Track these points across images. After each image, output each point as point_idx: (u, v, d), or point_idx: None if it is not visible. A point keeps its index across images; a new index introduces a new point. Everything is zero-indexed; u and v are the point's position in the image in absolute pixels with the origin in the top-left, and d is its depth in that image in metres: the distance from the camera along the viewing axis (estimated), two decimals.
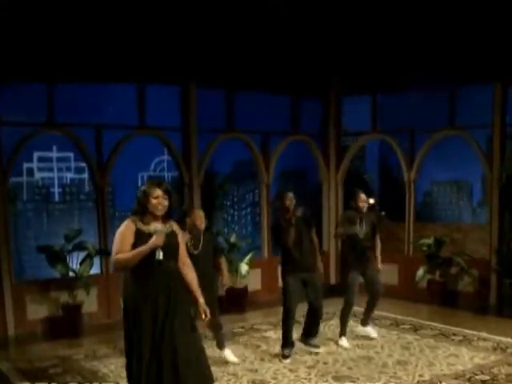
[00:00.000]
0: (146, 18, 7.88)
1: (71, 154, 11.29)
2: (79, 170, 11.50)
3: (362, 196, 7.06)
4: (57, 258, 7.98)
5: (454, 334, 7.48)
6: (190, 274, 4.58)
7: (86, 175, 11.37)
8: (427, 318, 8.34)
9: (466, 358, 6.51)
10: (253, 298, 9.46)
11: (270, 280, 9.76)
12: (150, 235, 4.29)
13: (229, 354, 6.53)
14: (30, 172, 11.05)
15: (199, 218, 6.23)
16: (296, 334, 6.83)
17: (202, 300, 4.55)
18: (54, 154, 11.18)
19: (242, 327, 8.08)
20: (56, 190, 11.41)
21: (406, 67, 9.39)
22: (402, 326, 7.96)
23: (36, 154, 10.94)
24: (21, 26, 7.37)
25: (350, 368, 6.24)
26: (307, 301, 6.67)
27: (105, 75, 8.40)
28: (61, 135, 8.71)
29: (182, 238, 4.61)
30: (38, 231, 10.97)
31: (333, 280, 10.70)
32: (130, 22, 7.87)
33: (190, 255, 5.97)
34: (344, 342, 7.03)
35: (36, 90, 8.20)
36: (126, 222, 4.39)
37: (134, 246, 4.29)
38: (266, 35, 8.64)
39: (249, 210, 12.93)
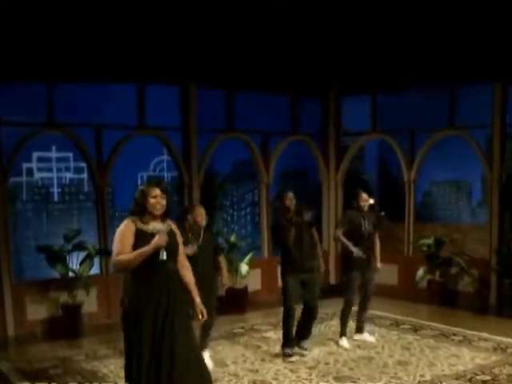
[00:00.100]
0: (145, 18, 7.87)
1: (70, 154, 11.26)
2: (78, 170, 11.47)
3: (364, 195, 7.05)
4: (56, 258, 7.96)
5: (455, 335, 7.48)
6: (189, 275, 4.58)
7: (85, 175, 11.35)
8: (427, 318, 8.34)
9: (467, 359, 6.51)
10: (253, 299, 9.45)
11: (269, 280, 9.75)
12: (151, 235, 4.28)
13: (207, 357, 6.32)
14: (30, 172, 11.03)
15: (200, 215, 6.23)
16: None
17: (198, 300, 4.55)
18: (54, 154, 11.15)
19: (242, 327, 8.07)
20: (55, 190, 11.38)
21: (405, 67, 9.39)
22: (402, 326, 7.95)
23: (35, 154, 10.92)
24: (21, 25, 7.35)
25: (350, 368, 6.23)
26: (303, 301, 6.63)
27: (105, 75, 8.39)
28: (60, 135, 8.69)
29: (180, 238, 4.61)
30: (37, 231, 10.95)
31: (333, 280, 10.69)
32: (129, 22, 7.86)
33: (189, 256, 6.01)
34: (344, 342, 7.02)
35: (36, 90, 8.18)
36: (125, 222, 4.38)
37: (135, 245, 4.28)
38: (266, 35, 8.64)
39: (248, 210, 12.91)
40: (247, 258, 9.32)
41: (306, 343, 6.78)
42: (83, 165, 10.48)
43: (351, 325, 7.34)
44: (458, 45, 8.77)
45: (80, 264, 8.12)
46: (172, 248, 4.39)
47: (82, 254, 8.18)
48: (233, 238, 9.35)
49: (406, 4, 8.23)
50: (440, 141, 10.03)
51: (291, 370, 6.19)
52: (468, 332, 7.53)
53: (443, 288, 9.40)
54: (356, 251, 6.86)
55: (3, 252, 7.95)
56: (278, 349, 6.77)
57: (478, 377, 5.90)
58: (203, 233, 6.27)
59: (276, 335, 7.41)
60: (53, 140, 10.41)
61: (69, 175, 11.41)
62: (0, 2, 6.89)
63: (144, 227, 4.34)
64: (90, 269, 8.20)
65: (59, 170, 11.28)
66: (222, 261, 6.57)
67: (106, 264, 8.65)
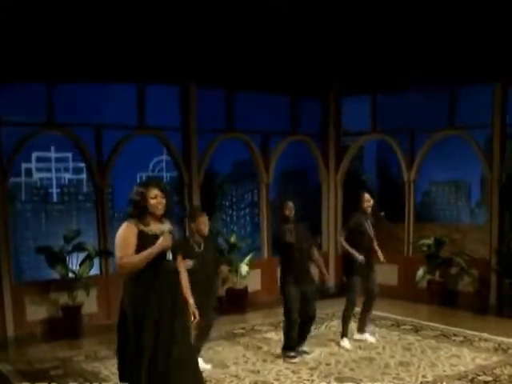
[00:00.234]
0: (145, 18, 7.85)
1: (69, 155, 11.27)
2: (77, 171, 11.47)
3: (367, 196, 7.03)
4: (56, 258, 7.94)
5: (455, 335, 7.48)
6: (185, 276, 4.61)
7: (84, 176, 11.35)
8: (427, 319, 8.34)
9: (468, 359, 6.50)
10: (253, 299, 9.44)
11: (269, 280, 9.72)
12: (154, 236, 4.26)
13: (201, 361, 6.31)
14: (29, 172, 11.03)
15: (203, 223, 6.20)
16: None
17: (191, 301, 4.56)
18: (53, 155, 11.15)
19: (243, 328, 8.05)
20: (54, 190, 11.38)
21: (406, 67, 9.38)
22: (402, 327, 7.95)
23: (34, 155, 10.92)
24: (21, 25, 7.33)
25: (352, 369, 6.22)
26: (302, 310, 6.52)
27: (105, 75, 8.37)
28: (60, 135, 8.67)
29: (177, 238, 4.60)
30: (36, 232, 10.94)
31: (332, 281, 10.65)
32: (129, 22, 7.84)
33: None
34: (346, 343, 7.01)
35: (36, 90, 8.17)
36: (126, 225, 4.33)
37: (138, 247, 4.25)
38: (266, 35, 8.62)
39: (247, 210, 12.91)
40: (247, 258, 9.30)
41: (304, 346, 6.76)
42: (82, 165, 10.50)
43: (352, 325, 7.32)
44: (458, 45, 8.76)
45: (80, 265, 8.10)
46: (175, 248, 4.38)
47: (82, 255, 8.16)
48: (233, 239, 9.34)
49: (406, 4, 8.23)
50: (440, 141, 10.02)
51: (293, 371, 6.17)
52: (469, 332, 7.52)
53: (443, 288, 9.40)
54: (361, 259, 6.84)
55: (3, 252, 7.92)
56: (279, 350, 6.75)
57: (479, 377, 5.89)
58: (204, 239, 6.26)
59: (277, 336, 7.40)
60: (52, 140, 10.41)
61: (68, 176, 11.41)
62: (0, 2, 6.86)
63: (146, 229, 4.31)
64: (89, 269, 8.18)
65: (58, 170, 11.28)
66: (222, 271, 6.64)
67: (105, 265, 8.64)
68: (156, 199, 4.33)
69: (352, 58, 9.70)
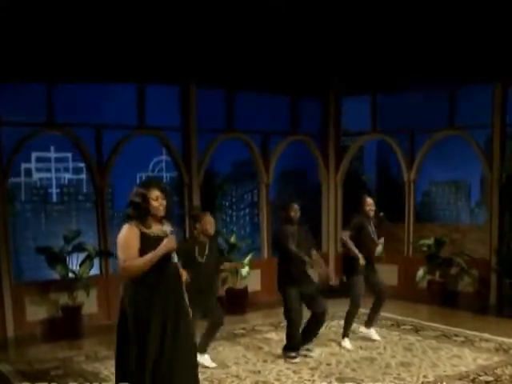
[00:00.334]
0: (145, 18, 7.85)
1: (69, 155, 11.24)
2: (77, 171, 11.45)
3: (369, 200, 7.03)
4: (56, 259, 7.93)
5: (456, 335, 7.48)
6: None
7: (83, 176, 11.33)
8: (428, 319, 8.34)
9: (469, 359, 6.50)
10: (253, 299, 9.43)
11: (269, 281, 9.68)
12: (156, 238, 4.23)
13: (207, 359, 6.38)
14: (28, 172, 11.01)
15: (209, 223, 6.21)
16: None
17: (185, 300, 4.52)
18: (52, 155, 11.13)
19: (243, 328, 8.04)
20: (54, 190, 11.36)
21: (406, 67, 9.38)
22: (403, 327, 7.95)
23: (34, 155, 10.90)
24: (21, 25, 7.32)
25: (353, 369, 6.22)
26: (310, 310, 6.58)
27: (105, 75, 8.35)
28: (60, 135, 8.65)
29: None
30: (36, 232, 10.93)
31: (332, 281, 10.64)
32: (129, 22, 7.83)
33: (195, 262, 6.01)
34: (347, 343, 7.00)
35: (36, 90, 8.15)
36: (127, 227, 4.25)
37: (141, 250, 4.19)
38: (266, 35, 8.62)
39: (247, 210, 12.90)
40: (247, 258, 9.29)
41: (310, 345, 6.78)
42: (82, 165, 10.47)
43: (355, 326, 7.32)
44: (458, 45, 8.76)
45: (80, 265, 8.09)
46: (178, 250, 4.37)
47: (82, 255, 8.15)
48: (233, 239, 9.33)
49: (406, 4, 8.23)
50: (440, 141, 10.02)
51: (294, 371, 6.16)
52: (469, 333, 7.52)
53: (443, 288, 9.40)
54: (362, 261, 6.83)
55: (3, 252, 7.91)
56: (279, 350, 6.75)
57: (480, 377, 5.88)
58: (209, 239, 6.26)
59: (277, 336, 7.41)
60: (51, 140, 10.39)
61: (67, 176, 11.39)
62: (0, 2, 6.85)
63: (148, 231, 4.26)
64: (90, 270, 8.17)
65: (58, 170, 11.26)
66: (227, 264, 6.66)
67: (105, 265, 8.63)
68: (157, 201, 4.28)
69: (352, 58, 9.69)
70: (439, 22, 8.44)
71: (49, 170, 11.19)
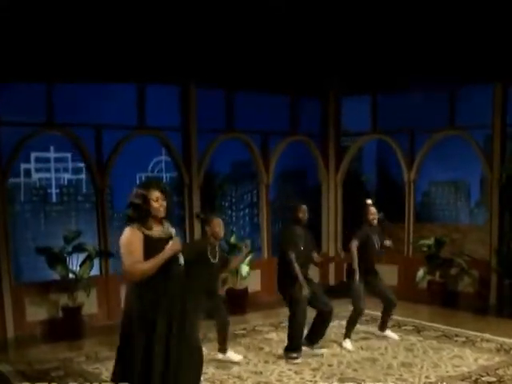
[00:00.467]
0: (145, 18, 7.83)
1: (69, 155, 11.21)
2: (77, 171, 11.42)
3: (372, 209, 7.03)
4: (56, 259, 7.90)
5: (457, 336, 7.47)
6: None
7: (83, 176, 11.31)
8: (428, 319, 8.34)
9: (471, 360, 6.50)
10: (253, 299, 9.41)
11: (269, 281, 9.68)
12: (160, 240, 4.19)
13: (232, 354, 6.52)
14: (28, 173, 10.98)
15: (218, 225, 6.23)
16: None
17: None
18: (52, 155, 11.10)
19: (244, 329, 8.02)
20: (53, 190, 11.33)
21: (405, 67, 9.37)
22: (404, 328, 7.94)
23: (33, 155, 10.87)
24: (21, 25, 7.30)
25: (355, 370, 6.21)
26: (316, 309, 6.62)
27: (105, 75, 8.33)
28: (59, 135, 8.63)
29: None
30: (35, 232, 10.90)
31: (332, 281, 10.67)
32: (129, 22, 7.82)
33: (208, 263, 6.03)
34: (348, 344, 6.98)
35: (36, 90, 8.13)
36: (130, 230, 4.19)
37: (145, 252, 4.14)
38: (266, 35, 8.61)
39: (247, 210, 12.88)
40: (247, 258, 9.26)
41: (318, 344, 6.80)
42: (81, 165, 10.45)
43: (357, 327, 7.32)
44: (458, 45, 8.76)
45: (80, 265, 8.06)
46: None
47: (82, 256, 8.13)
48: (233, 239, 9.31)
49: (406, 4, 8.22)
50: (440, 141, 10.01)
51: (295, 372, 6.15)
52: (470, 333, 7.52)
53: (443, 289, 9.39)
54: (357, 284, 6.88)
55: (3, 253, 7.89)
56: (280, 350, 6.74)
57: (483, 378, 5.89)
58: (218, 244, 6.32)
59: (278, 337, 7.41)
60: (51, 140, 10.36)
61: (67, 176, 11.37)
62: (0, 2, 6.83)
63: (150, 233, 4.21)
64: (90, 270, 8.15)
65: (57, 170, 11.23)
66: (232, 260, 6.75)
67: (106, 265, 8.61)
68: (158, 202, 4.22)
69: (352, 59, 9.68)
70: (439, 22, 8.43)
71: (48, 171, 11.16)
